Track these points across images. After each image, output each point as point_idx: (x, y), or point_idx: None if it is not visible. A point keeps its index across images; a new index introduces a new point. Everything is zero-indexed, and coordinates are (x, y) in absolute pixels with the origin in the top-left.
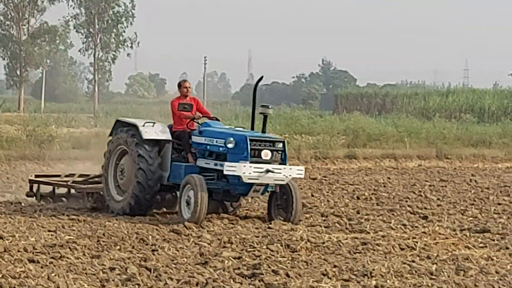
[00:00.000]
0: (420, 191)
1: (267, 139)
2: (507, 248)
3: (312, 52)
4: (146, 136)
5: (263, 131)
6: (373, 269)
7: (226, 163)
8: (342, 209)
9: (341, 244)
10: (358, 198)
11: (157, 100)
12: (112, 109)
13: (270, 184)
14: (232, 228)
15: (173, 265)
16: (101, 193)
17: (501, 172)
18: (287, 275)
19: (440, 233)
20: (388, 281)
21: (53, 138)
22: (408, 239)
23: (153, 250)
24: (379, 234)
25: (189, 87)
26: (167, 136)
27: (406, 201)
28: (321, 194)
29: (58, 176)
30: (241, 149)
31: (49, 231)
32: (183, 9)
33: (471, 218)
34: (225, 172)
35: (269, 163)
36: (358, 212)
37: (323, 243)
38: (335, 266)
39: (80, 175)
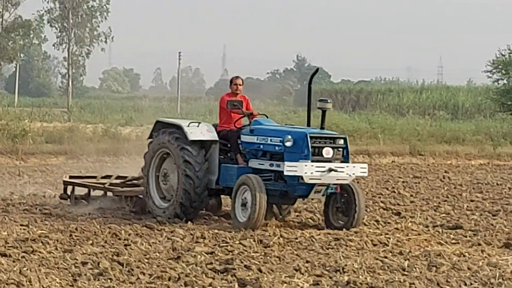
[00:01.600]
0: (393, 188)
1: (328, 135)
2: (479, 244)
3: (287, 48)
4: (192, 137)
5: (322, 127)
6: (346, 265)
7: (286, 163)
8: (315, 205)
9: (314, 239)
10: None
11: (131, 95)
12: (86, 104)
13: (331, 185)
14: (205, 223)
15: (146, 260)
16: (141, 196)
17: (474, 169)
18: (260, 270)
19: (412, 229)
20: (360, 276)
21: (27, 132)
22: (381, 235)
23: (125, 245)
24: (352, 230)
25: (240, 85)
26: (214, 136)
27: (379, 197)
28: None
29: (94, 177)
30: (300, 147)
31: (22, 225)
32: (158, 4)
33: (443, 215)
34: (285, 173)
35: (330, 161)
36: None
37: (296, 238)
38: (307, 262)
39: (118, 177)
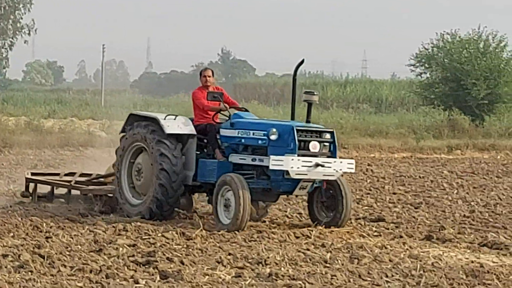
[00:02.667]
0: None
1: (315, 129)
2: (401, 237)
3: (212, 41)
4: (168, 130)
5: (308, 121)
6: (268, 257)
7: (272, 157)
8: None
9: (236, 232)
10: None
11: (55, 88)
12: (9, 96)
13: (316, 180)
14: (127, 216)
15: (67, 252)
16: (110, 195)
17: (397, 162)
18: (182, 263)
19: None
20: (282, 268)
21: None
22: (303, 227)
23: (47, 238)
24: (275, 223)
25: (209, 76)
26: (191, 130)
27: None
28: None
29: (57, 174)
30: (285, 141)
31: None
32: None
33: (366, 207)
34: (270, 167)
35: (316, 156)
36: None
37: (219, 231)
38: (230, 254)
39: (82, 174)
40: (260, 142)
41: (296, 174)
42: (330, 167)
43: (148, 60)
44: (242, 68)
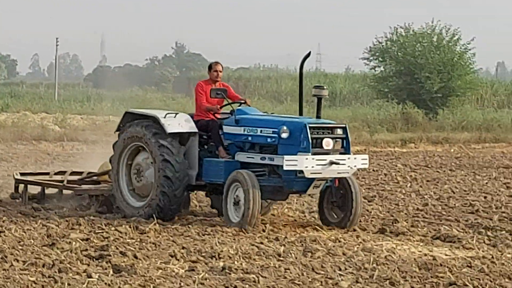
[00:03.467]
0: None
1: (327, 125)
2: (355, 230)
3: (166, 35)
4: (170, 129)
5: (318, 117)
6: (221, 251)
7: (286, 157)
8: (193, 192)
9: (190, 226)
10: None
11: (8, 81)
12: None
13: (330, 178)
14: (81, 210)
15: (20, 247)
16: (106, 195)
17: None
18: (135, 257)
19: (289, 215)
20: (236, 262)
21: None
22: (257, 221)
23: None
24: None
25: (220, 71)
26: (193, 127)
27: None
28: None
29: (47, 174)
30: (297, 139)
31: None
32: None
33: None
34: (284, 167)
35: (329, 153)
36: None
37: (172, 225)
38: (183, 248)
39: (72, 173)
40: (269, 140)
41: (311, 173)
42: (344, 164)
43: (102, 54)
44: (197, 61)
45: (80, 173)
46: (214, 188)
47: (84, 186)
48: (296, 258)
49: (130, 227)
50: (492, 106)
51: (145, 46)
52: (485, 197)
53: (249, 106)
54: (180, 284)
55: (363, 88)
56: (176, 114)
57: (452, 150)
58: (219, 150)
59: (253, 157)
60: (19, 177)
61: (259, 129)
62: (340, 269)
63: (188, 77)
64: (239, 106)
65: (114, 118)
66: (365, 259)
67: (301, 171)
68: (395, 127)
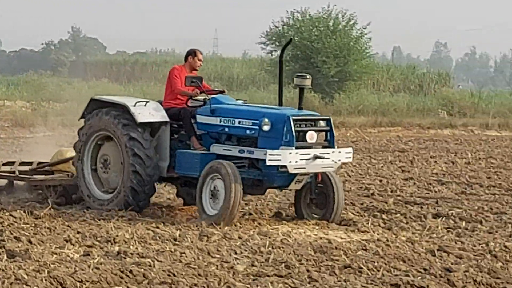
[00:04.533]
0: None
1: (311, 117)
2: (250, 214)
3: (61, 19)
4: (140, 118)
5: (300, 108)
6: (117, 235)
7: (269, 151)
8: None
9: (85, 211)
10: None
11: None
12: None
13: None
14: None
15: None
16: (64, 185)
17: None
18: (30, 242)
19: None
20: (131, 246)
21: None
22: (154, 206)
23: None
24: None
25: (201, 60)
26: (164, 116)
27: None
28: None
29: None
30: (280, 131)
31: None
32: None
33: None
34: (267, 162)
35: (312, 147)
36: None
37: (68, 210)
38: (78, 233)
39: (22, 163)
40: (248, 132)
41: (295, 168)
42: (328, 158)
43: None
44: (93, 46)
45: (30, 163)
46: (186, 181)
47: (41, 177)
48: (192, 242)
49: (24, 212)
50: (388, 90)
51: (41, 30)
52: (380, 181)
53: (225, 94)
54: (75, 268)
55: (260, 73)
56: (147, 102)
57: (348, 134)
58: (192, 140)
59: (230, 150)
60: None
61: (237, 120)
62: (235, 253)
63: (85, 62)
64: (217, 94)
65: (8, 103)
66: (260, 242)
67: (284, 166)
68: None
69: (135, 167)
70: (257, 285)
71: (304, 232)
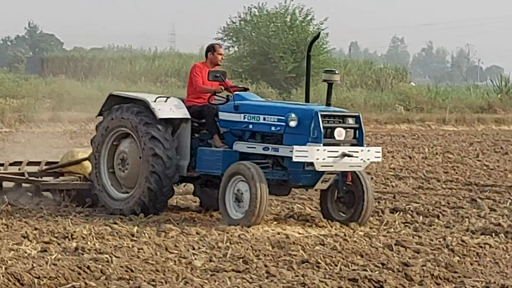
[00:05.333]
0: None
1: (340, 113)
2: (208, 210)
3: (18, 15)
4: (161, 114)
5: (328, 104)
6: (74, 231)
7: (295, 147)
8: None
9: (42, 207)
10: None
11: None
12: None
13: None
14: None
15: None
16: (77, 188)
17: None
18: None
19: None
20: (89, 242)
21: None
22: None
23: None
24: None
25: (223, 55)
26: (186, 113)
27: None
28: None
29: (1, 165)
30: (307, 128)
31: None
32: None
33: None
34: (294, 159)
35: (340, 144)
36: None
37: (25, 206)
38: (36, 229)
39: (29, 163)
40: (274, 128)
41: (322, 166)
42: (357, 156)
43: None
44: (50, 42)
45: (38, 163)
46: (207, 180)
47: (54, 180)
48: (149, 238)
49: None
50: (345, 85)
51: None
52: None
53: (249, 90)
54: (32, 265)
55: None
56: (167, 98)
57: None
58: (214, 139)
59: (254, 147)
60: None
61: (262, 117)
62: (193, 248)
63: (41, 58)
64: (241, 91)
65: None
66: (218, 238)
67: (311, 164)
68: None
69: (154, 167)
70: (215, 281)
71: (262, 227)
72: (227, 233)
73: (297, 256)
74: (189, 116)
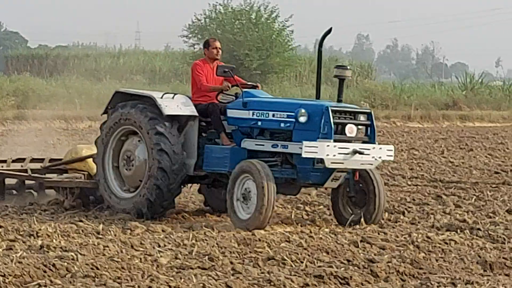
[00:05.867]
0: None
1: (351, 109)
2: (174, 207)
3: None
4: (168, 111)
5: (339, 100)
6: (40, 229)
7: (305, 143)
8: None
9: (7, 205)
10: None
11: None
12: None
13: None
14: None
15: None
16: (81, 186)
17: None
18: None
19: None
20: (54, 240)
21: None
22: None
23: None
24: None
25: (220, 48)
26: (193, 111)
27: None
28: None
29: (4, 162)
30: (317, 123)
31: None
32: None
33: None
34: (304, 155)
35: (351, 141)
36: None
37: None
38: (0, 227)
39: (33, 160)
40: (283, 125)
41: (332, 163)
42: (369, 154)
43: None
44: (14, 40)
45: (41, 159)
46: (214, 179)
47: (53, 177)
48: (115, 235)
49: None
50: (311, 83)
51: None
52: None
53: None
54: None
55: (183, 66)
56: (174, 95)
57: None
58: (221, 137)
59: (263, 145)
60: None
61: (271, 113)
62: (159, 246)
63: (6, 56)
64: (250, 88)
65: None
66: (184, 235)
67: (321, 160)
68: None
69: (160, 163)
70: (180, 278)
71: (227, 225)
72: (193, 230)
73: (263, 253)
74: (196, 114)
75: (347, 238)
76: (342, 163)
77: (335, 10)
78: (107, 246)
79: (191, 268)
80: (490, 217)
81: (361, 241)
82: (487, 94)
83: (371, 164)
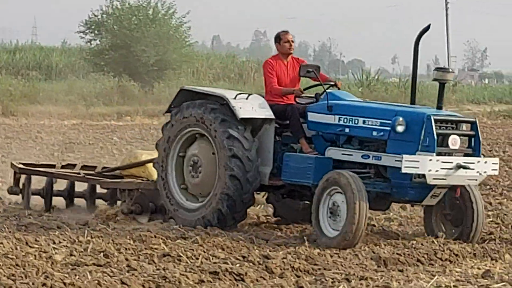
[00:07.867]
0: None
1: (454, 118)
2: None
3: None
4: (242, 114)
5: (439, 107)
6: None
7: (405, 156)
8: None
9: None
10: None
11: None
12: None
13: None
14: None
15: None
16: (141, 191)
17: (67, 129)
18: None
19: None
20: None
21: None
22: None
23: None
24: None
25: (293, 42)
26: (269, 113)
27: None
28: None
29: (52, 166)
30: (417, 134)
31: None
32: None
33: None
34: (404, 170)
35: (452, 154)
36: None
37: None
38: None
39: (83, 167)
40: (375, 134)
41: (434, 179)
42: (473, 169)
43: None
44: None
45: (93, 167)
46: (292, 190)
47: (115, 180)
48: (9, 232)
49: None
50: (208, 79)
51: None
52: None
53: (339, 89)
54: None
55: (80, 62)
56: (249, 95)
57: None
58: (301, 143)
59: (351, 155)
60: (19, 165)
61: (361, 119)
62: (54, 242)
63: None
64: (328, 88)
65: None
66: (79, 232)
67: (421, 176)
68: (111, 100)
69: (233, 170)
70: (75, 275)
71: (123, 222)
72: (88, 227)
73: (158, 250)
74: (273, 117)
75: (243, 235)
76: (445, 179)
77: (232, 7)
78: (1, 243)
79: (86, 265)
80: (385, 213)
81: (256, 237)
82: (383, 91)
83: (476, 180)
